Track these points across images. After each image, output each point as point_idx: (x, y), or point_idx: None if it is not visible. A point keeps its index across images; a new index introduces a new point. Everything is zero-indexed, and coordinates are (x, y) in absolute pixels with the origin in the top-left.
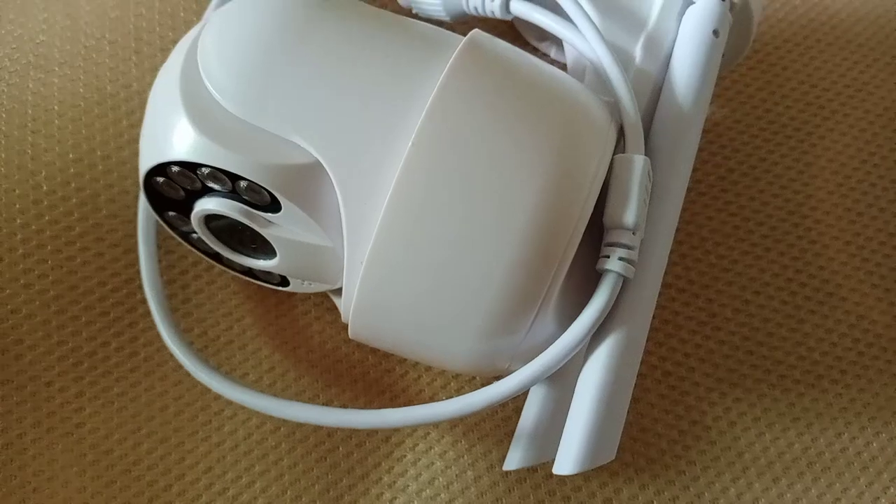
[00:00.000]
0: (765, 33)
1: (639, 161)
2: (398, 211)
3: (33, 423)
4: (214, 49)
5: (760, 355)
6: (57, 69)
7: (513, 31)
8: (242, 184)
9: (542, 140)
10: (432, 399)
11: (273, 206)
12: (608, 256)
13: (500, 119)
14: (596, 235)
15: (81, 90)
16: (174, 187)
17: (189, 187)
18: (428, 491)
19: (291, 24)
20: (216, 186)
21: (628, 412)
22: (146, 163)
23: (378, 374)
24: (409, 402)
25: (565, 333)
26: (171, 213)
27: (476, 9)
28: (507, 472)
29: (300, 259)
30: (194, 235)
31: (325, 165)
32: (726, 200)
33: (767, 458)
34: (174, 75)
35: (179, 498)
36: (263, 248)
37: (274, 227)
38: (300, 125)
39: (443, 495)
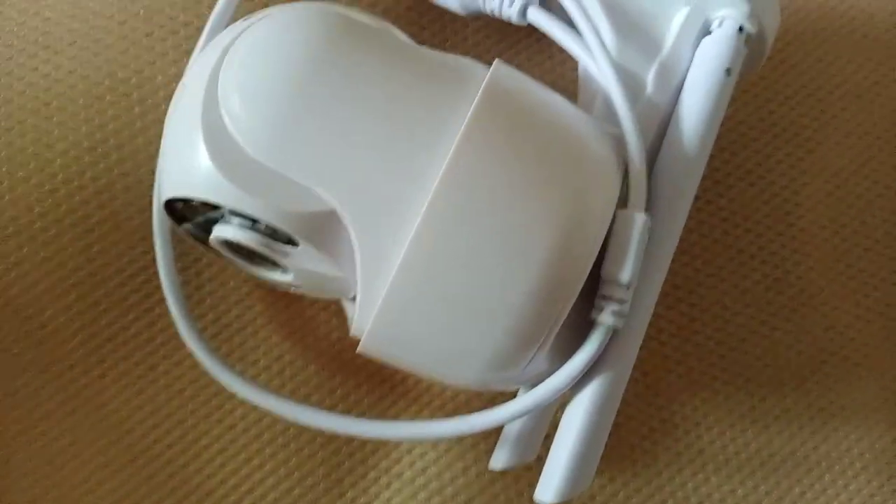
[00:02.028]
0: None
1: (639, 220)
2: (415, 259)
3: (59, 402)
4: (235, 88)
5: (731, 359)
6: (66, 50)
7: None
8: (262, 225)
9: (558, 192)
10: (430, 391)
11: (291, 241)
12: (602, 309)
13: (518, 171)
14: (589, 281)
15: (93, 74)
16: (195, 210)
17: (209, 216)
18: (421, 479)
19: (313, 67)
20: (236, 219)
21: None
22: (167, 192)
23: (381, 367)
24: (408, 393)
25: (557, 373)
26: (187, 226)
27: (493, 11)
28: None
29: (313, 281)
30: (210, 244)
31: (342, 215)
32: (719, 206)
33: (725, 455)
34: (195, 105)
35: (197, 474)
36: (278, 266)
37: (290, 258)
38: (322, 175)
39: (434, 483)
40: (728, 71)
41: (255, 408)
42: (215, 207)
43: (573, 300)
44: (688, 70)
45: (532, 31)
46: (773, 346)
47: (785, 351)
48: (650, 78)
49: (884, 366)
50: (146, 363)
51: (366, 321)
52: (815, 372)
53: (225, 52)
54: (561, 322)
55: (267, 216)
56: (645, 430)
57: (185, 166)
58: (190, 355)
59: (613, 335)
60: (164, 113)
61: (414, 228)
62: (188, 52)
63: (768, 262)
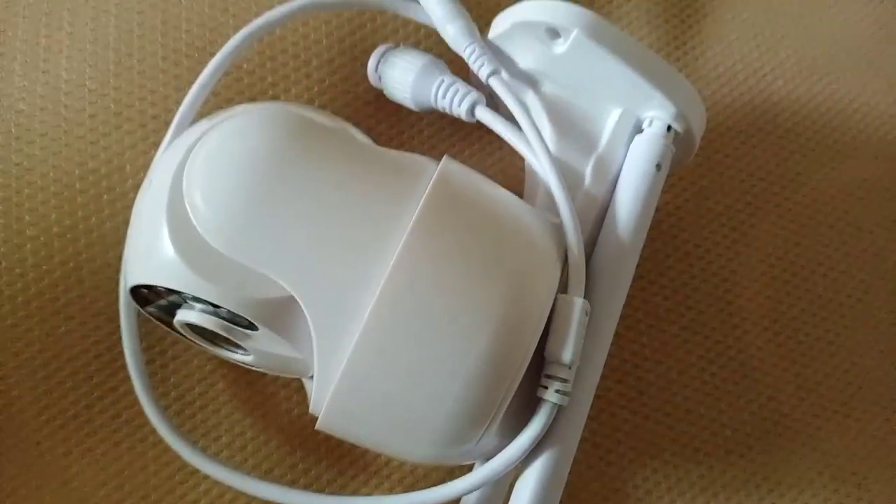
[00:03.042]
0: (709, 120)
1: (578, 304)
2: (368, 344)
3: (25, 479)
4: (198, 185)
5: (679, 430)
6: (38, 140)
7: None
8: (223, 310)
9: (501, 283)
10: (388, 465)
11: (251, 325)
12: (546, 387)
13: (464, 261)
14: (534, 361)
15: (64, 164)
16: (159, 295)
17: (173, 299)
18: None
19: (271, 166)
20: (198, 305)
21: None
22: (133, 278)
23: (340, 441)
24: (367, 468)
25: (505, 450)
26: (152, 310)
27: (444, 108)
28: None
29: (273, 362)
30: (174, 326)
31: (299, 301)
32: (661, 284)
33: None
34: (160, 201)
35: None
36: (239, 346)
37: (250, 340)
38: (279, 264)
39: None
40: (658, 166)
41: (216, 484)
42: (179, 294)
43: (518, 380)
44: (622, 164)
45: (483, 127)
46: (719, 417)
47: (729, 421)
48: (588, 171)
49: (815, 439)
50: (111, 440)
51: (323, 399)
52: (759, 440)
53: (189, 150)
54: (508, 400)
55: (227, 302)
56: (597, 500)
57: (150, 255)
58: (153, 432)
59: (559, 412)
60: (132, 201)
61: (366, 315)
62: (156, 144)
63: (710, 338)
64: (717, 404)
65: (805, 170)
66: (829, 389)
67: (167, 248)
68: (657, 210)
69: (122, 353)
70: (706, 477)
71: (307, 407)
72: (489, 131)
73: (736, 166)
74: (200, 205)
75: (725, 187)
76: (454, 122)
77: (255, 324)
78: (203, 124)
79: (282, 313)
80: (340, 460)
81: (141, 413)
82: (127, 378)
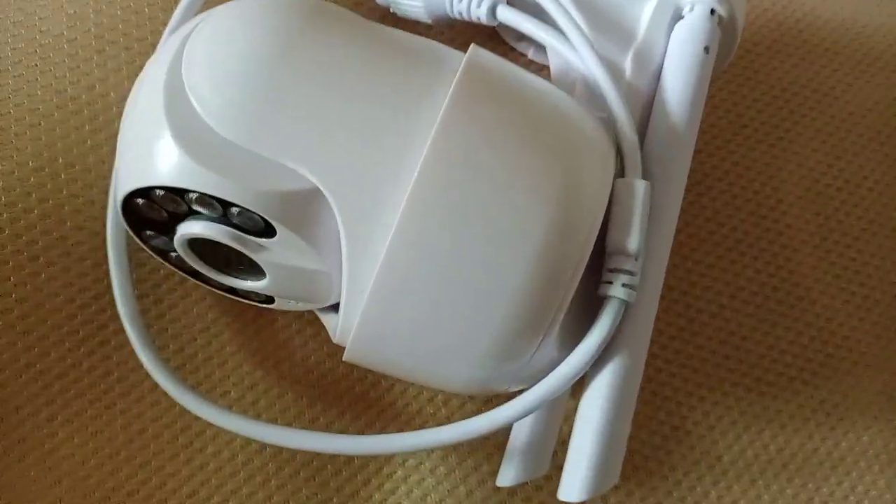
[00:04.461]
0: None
1: (640, 186)
2: (405, 240)
3: (2, 450)
4: (202, 66)
5: (736, 359)
6: (11, 69)
7: (487, 28)
8: (234, 210)
9: (548, 167)
10: (420, 413)
11: (267, 231)
12: (611, 282)
13: (505, 147)
14: (594, 257)
15: (39, 92)
16: (156, 209)
17: (173, 210)
18: None
19: (286, 40)
20: (204, 210)
21: None
22: (126, 185)
23: (364, 388)
24: (397, 416)
25: (570, 358)
26: (148, 233)
27: (461, 13)
28: (498, 487)
29: (292, 282)
30: (173, 254)
31: (325, 193)
32: (701, 205)
33: (745, 461)
34: (156, 91)
35: None
36: (251, 268)
37: (266, 252)
38: (298, 151)
39: None
40: (707, 49)
41: (227, 444)
42: (181, 199)
43: (579, 275)
44: (663, 55)
45: (499, 43)
46: (776, 344)
47: (788, 347)
48: (628, 64)
49: (882, 360)
50: (101, 401)
51: (353, 316)
52: (823, 367)
53: (186, 39)
54: (567, 302)
55: (240, 198)
56: (657, 440)
57: (148, 153)
58: (150, 391)
59: (627, 311)
60: (118, 130)
61: (401, 208)
62: (142, 68)
63: (759, 259)
64: (773, 330)
65: (837, 84)
66: (888, 308)
67: (167, 140)
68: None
69: (110, 302)
70: (771, 409)
71: (325, 354)
72: (505, 53)
73: (767, 82)
74: (205, 88)
75: (759, 103)
76: (472, 38)
77: (274, 224)
78: (199, 17)
79: (304, 209)
80: (367, 411)
81: (135, 370)
82: (117, 332)
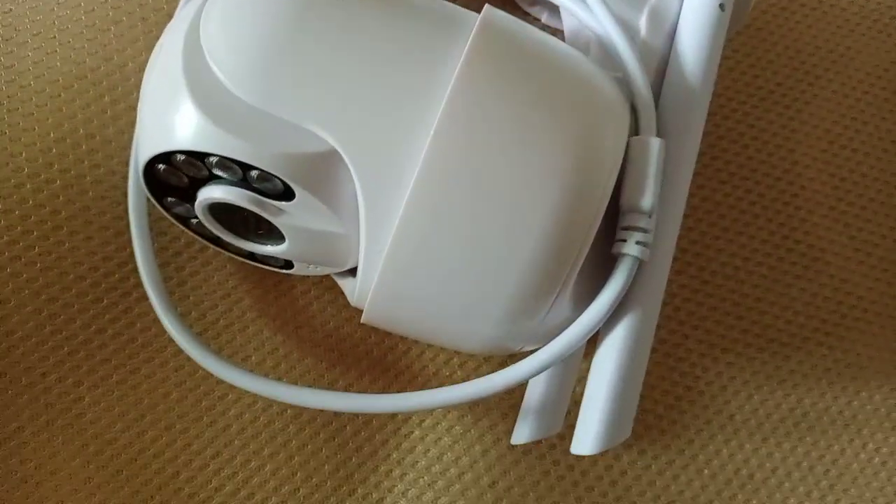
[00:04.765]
0: None
1: (655, 144)
2: (421, 200)
3: (31, 415)
4: (220, 30)
5: (750, 320)
6: (30, 41)
7: None
8: (254, 173)
9: (563, 125)
10: (436, 375)
11: (286, 194)
12: (625, 240)
13: (521, 106)
14: (608, 215)
15: (59, 64)
16: (177, 175)
17: (194, 175)
18: (437, 466)
19: (303, 3)
20: (224, 175)
21: None
22: (147, 150)
23: (382, 352)
24: (413, 379)
25: (584, 315)
26: (169, 199)
27: None
28: (513, 445)
29: (310, 245)
30: (194, 220)
31: (343, 154)
32: (717, 168)
33: (757, 419)
34: (175, 57)
35: (189, 484)
36: (270, 233)
37: (285, 216)
38: (317, 113)
39: (452, 470)
40: (722, 6)
41: (249, 406)
42: (202, 164)
43: (594, 233)
44: (678, 14)
45: (514, 8)
46: (791, 305)
47: (803, 308)
48: (643, 23)
49: (895, 322)
50: (126, 367)
51: (371, 277)
52: (836, 326)
53: (203, 4)
54: (582, 259)
55: (260, 161)
56: (670, 400)
57: (169, 119)
58: (174, 356)
59: (640, 268)
60: (136, 101)
61: (417, 168)
62: (159, 37)
63: (773, 221)
64: (788, 291)
65: (854, 44)
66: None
67: (187, 105)
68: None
69: (133, 270)
70: (783, 369)
71: (343, 318)
72: (520, 10)
73: (782, 43)
74: (223, 52)
75: (775, 64)
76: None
77: (293, 186)
78: None
79: (322, 171)
80: (385, 373)
81: (159, 336)
82: (140, 299)
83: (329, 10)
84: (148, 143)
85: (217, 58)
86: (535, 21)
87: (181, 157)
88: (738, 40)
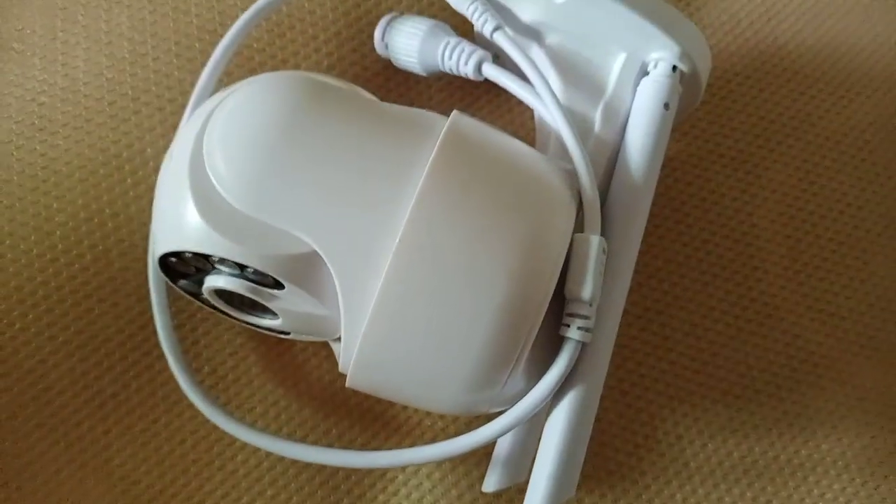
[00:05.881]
0: (716, 67)
1: (595, 241)
2: (391, 292)
3: (68, 460)
4: (218, 146)
5: (706, 373)
6: (61, 131)
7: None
8: (249, 269)
9: (513, 228)
10: (419, 424)
11: (277, 284)
12: (568, 325)
13: (475, 212)
14: (557, 300)
15: (87, 151)
16: (187, 265)
17: (200, 266)
18: None
19: (290, 122)
20: (225, 269)
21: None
22: (160, 247)
23: (370, 404)
24: (399, 428)
25: (533, 390)
26: (182, 282)
27: (451, 69)
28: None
29: (300, 322)
30: (203, 296)
31: (322, 255)
32: (679, 231)
33: (710, 466)
34: (182, 169)
35: None
36: (267, 310)
37: (278, 300)
38: (298, 220)
39: None
40: (666, 105)
41: (254, 452)
42: (206, 259)
43: (540, 320)
44: (631, 108)
45: (490, 87)
46: (745, 359)
47: (756, 363)
48: (597, 117)
49: (845, 374)
50: (148, 417)
51: (351, 353)
52: (787, 380)
53: (208, 117)
54: (531, 341)
55: (253, 261)
56: (630, 447)
57: (177, 222)
58: (189, 407)
59: (583, 349)
60: (154, 182)
61: (387, 264)
62: (174, 127)
63: (731, 281)
64: (743, 347)
65: (815, 110)
66: (854, 324)
67: (192, 213)
68: (670, 160)
69: (154, 331)
70: (736, 419)
71: (337, 373)
72: (497, 93)
73: (745, 111)
74: (221, 167)
75: (736, 132)
76: (463, 86)
77: (281, 281)
78: (220, 94)
79: (306, 269)
80: (374, 423)
81: (176, 390)
82: (160, 356)
83: (313, 129)
84: (161, 240)
85: (216, 171)
86: None
87: (188, 254)
88: (704, 108)
